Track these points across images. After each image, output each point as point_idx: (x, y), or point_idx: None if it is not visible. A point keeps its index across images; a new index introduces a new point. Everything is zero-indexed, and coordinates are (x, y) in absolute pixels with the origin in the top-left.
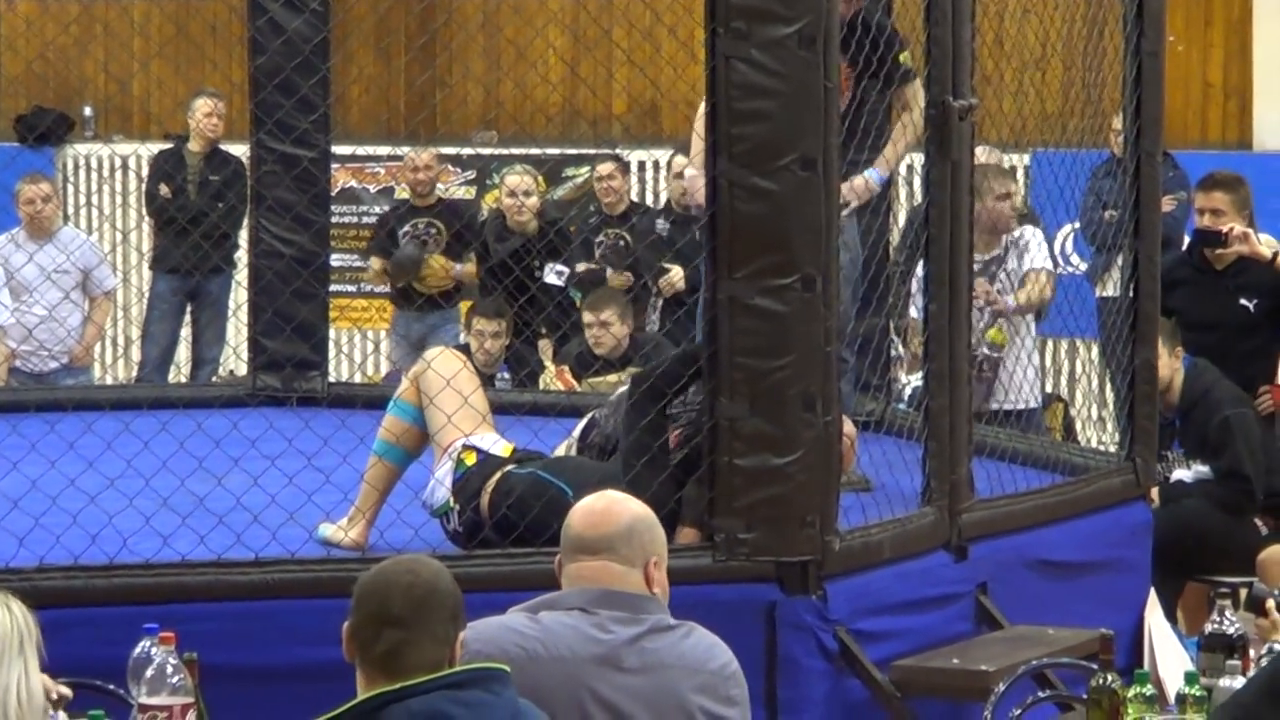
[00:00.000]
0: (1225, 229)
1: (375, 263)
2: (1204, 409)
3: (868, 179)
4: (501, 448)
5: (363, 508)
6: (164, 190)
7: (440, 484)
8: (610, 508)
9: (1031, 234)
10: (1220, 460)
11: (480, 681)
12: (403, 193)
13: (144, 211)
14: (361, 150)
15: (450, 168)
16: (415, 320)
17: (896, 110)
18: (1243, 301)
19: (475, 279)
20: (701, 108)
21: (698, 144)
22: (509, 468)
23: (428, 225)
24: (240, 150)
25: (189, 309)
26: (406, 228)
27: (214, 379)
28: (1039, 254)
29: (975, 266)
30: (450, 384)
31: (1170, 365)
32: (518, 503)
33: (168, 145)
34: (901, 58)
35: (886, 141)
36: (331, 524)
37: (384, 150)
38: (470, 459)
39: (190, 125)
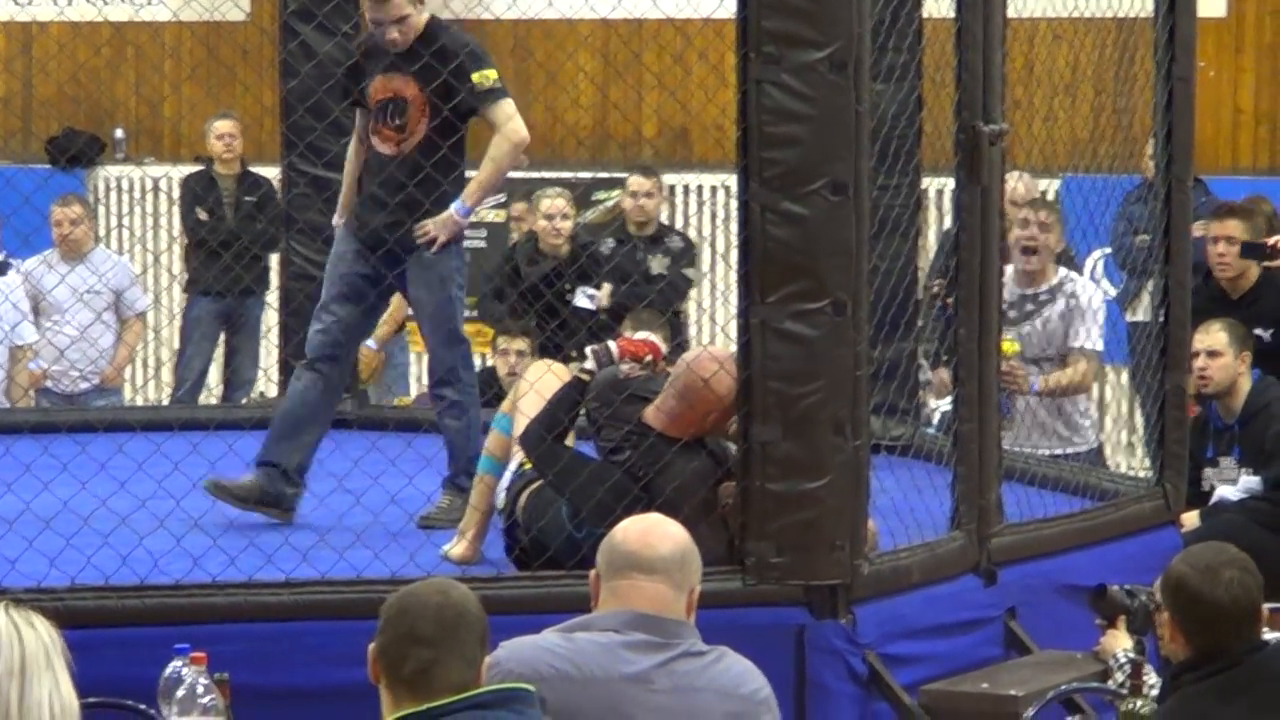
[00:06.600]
0: (1272, 241)
1: None
2: (1264, 418)
3: (453, 212)
4: None
5: (465, 528)
6: (201, 213)
7: (505, 484)
8: (662, 529)
9: (1084, 291)
10: (1271, 470)
11: (506, 702)
12: None
13: (174, 234)
14: None
15: None
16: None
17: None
18: (1257, 331)
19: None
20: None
21: None
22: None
23: None
24: (271, 173)
25: (223, 331)
26: None
27: (244, 401)
28: (1092, 328)
29: (1009, 298)
30: (533, 388)
31: (1235, 369)
32: (534, 516)
33: (197, 168)
34: (476, 77)
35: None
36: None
37: None
38: (530, 463)
39: (212, 148)
